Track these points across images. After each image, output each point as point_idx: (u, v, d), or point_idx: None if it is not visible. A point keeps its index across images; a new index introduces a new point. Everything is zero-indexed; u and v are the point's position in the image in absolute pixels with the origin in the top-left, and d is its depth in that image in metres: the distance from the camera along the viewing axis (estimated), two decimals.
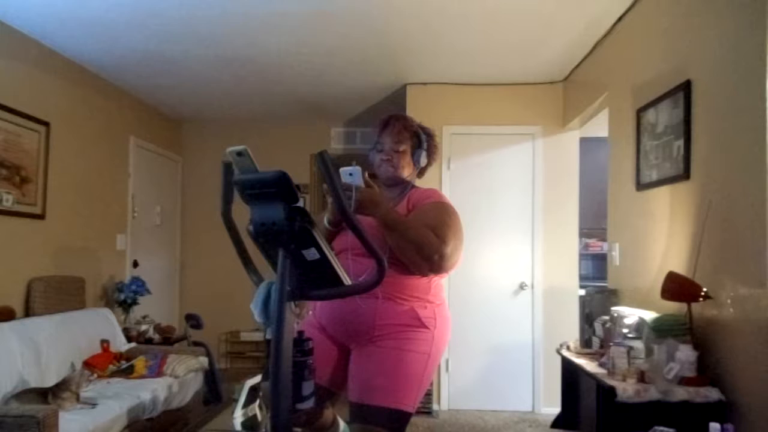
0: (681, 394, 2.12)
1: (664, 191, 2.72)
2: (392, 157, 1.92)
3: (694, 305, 2.26)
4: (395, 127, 1.94)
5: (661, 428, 1.96)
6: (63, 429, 2.48)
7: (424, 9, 3.28)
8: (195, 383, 3.83)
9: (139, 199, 5.12)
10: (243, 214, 1.32)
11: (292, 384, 1.26)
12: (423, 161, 1.98)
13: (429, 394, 4.32)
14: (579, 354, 2.86)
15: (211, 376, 4.06)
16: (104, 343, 3.75)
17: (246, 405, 2.61)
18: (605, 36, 3.61)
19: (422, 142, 1.97)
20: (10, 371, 2.93)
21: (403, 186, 1.97)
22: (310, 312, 1.99)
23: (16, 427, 2.34)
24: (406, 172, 1.95)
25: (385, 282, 1.39)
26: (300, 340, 1.36)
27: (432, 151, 2.02)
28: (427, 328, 1.80)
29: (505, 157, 4.58)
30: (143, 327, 4.47)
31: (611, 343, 2.41)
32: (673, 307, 2.41)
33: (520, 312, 4.48)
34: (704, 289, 2.23)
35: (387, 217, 1.68)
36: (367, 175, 1.68)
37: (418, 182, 2.05)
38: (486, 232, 4.48)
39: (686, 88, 2.50)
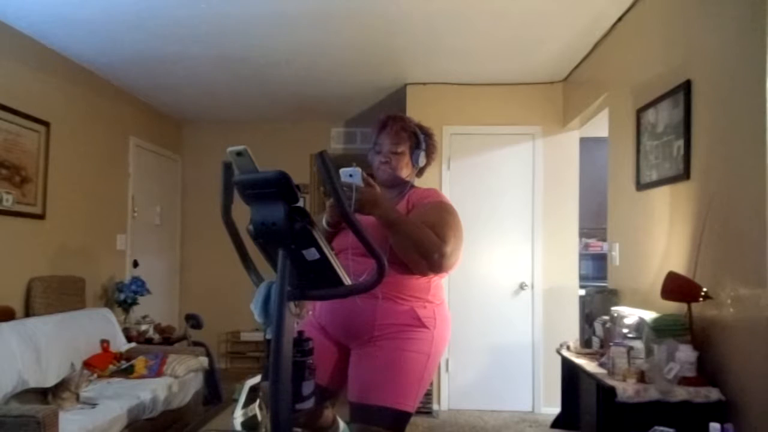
0: (681, 394, 2.12)
1: (664, 191, 2.72)
2: (391, 159, 1.92)
3: (694, 305, 2.26)
4: (393, 127, 1.93)
5: (661, 428, 1.96)
6: (63, 429, 2.47)
7: (424, 9, 3.28)
8: (195, 383, 3.83)
9: (139, 199, 5.12)
10: (243, 214, 1.32)
11: (292, 384, 1.26)
12: (422, 161, 1.98)
13: (429, 394, 4.32)
14: (579, 354, 2.86)
15: (211, 376, 4.06)
16: (104, 343, 3.75)
17: (246, 405, 2.61)
18: (605, 36, 3.61)
19: (420, 142, 1.96)
20: (10, 371, 2.93)
21: (402, 186, 1.97)
22: (310, 312, 1.99)
23: (16, 427, 2.34)
24: (405, 172, 1.95)
25: (385, 282, 1.39)
26: (300, 340, 1.36)
27: (431, 151, 2.01)
28: (426, 328, 1.80)
29: (505, 157, 4.58)
30: (143, 327, 4.47)
31: (611, 343, 2.41)
32: (673, 307, 2.41)
33: (520, 312, 4.48)
34: (704, 289, 2.23)
35: (388, 216, 1.68)
36: (366, 175, 1.68)
37: (417, 182, 2.05)
38: (486, 232, 4.47)
39: (686, 88, 2.49)
